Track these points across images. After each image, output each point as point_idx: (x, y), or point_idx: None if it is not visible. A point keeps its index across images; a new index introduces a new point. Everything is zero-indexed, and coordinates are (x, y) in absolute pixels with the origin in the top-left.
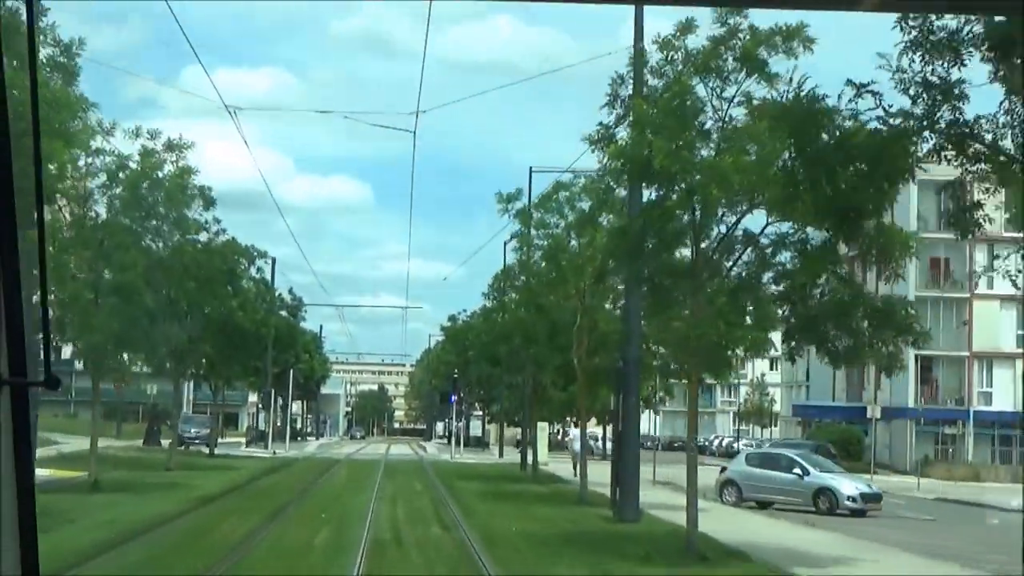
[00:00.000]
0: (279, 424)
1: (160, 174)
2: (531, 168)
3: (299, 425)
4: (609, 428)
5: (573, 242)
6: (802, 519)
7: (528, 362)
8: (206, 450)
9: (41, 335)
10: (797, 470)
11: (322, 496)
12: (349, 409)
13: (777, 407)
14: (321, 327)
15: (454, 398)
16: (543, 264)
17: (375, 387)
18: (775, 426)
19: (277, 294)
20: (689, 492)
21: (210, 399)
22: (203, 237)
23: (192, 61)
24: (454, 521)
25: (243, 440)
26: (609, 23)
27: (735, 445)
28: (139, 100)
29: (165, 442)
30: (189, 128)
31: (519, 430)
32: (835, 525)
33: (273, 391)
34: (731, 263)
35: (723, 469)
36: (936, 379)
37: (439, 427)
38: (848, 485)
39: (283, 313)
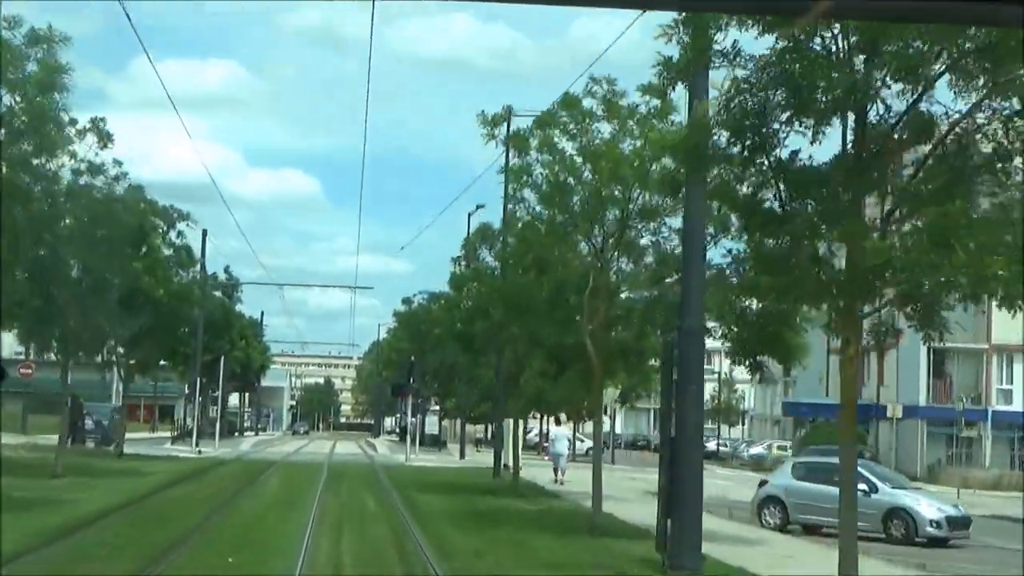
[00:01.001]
0: (212, 418)
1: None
2: (509, 108)
3: (238, 419)
4: (586, 426)
5: (587, 173)
6: (877, 551)
7: (518, 341)
8: (108, 450)
9: None
10: (863, 485)
11: (238, 521)
12: (294, 403)
13: (747, 404)
14: (262, 313)
15: (409, 386)
16: (544, 207)
17: (321, 380)
18: (743, 424)
19: (211, 274)
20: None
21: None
22: (100, 182)
23: (142, 53)
24: (427, 569)
25: (170, 436)
26: (561, 21)
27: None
28: (87, 91)
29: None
30: (139, 121)
31: (478, 428)
32: (925, 559)
33: (202, 381)
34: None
35: (762, 483)
36: (950, 375)
37: (388, 422)
38: (929, 506)
39: (217, 294)
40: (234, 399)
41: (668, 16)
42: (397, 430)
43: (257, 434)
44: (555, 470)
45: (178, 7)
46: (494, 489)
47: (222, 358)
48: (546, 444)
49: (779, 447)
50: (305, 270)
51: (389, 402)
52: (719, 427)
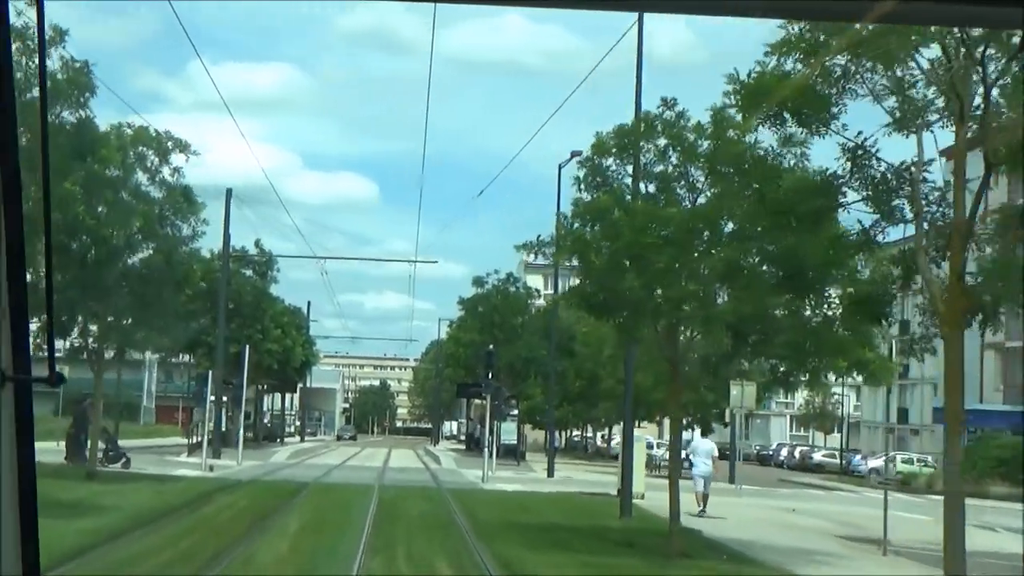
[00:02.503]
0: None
1: None
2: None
3: (280, 424)
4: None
5: None
6: None
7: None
8: (117, 467)
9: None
10: None
11: None
12: (347, 405)
13: (849, 409)
14: (308, 304)
15: (487, 384)
16: None
17: (376, 382)
18: (840, 432)
19: (240, 248)
20: None
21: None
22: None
23: (200, 55)
24: None
25: (189, 443)
26: (616, 23)
27: (814, 455)
28: (144, 93)
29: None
30: (197, 123)
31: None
32: None
33: (229, 381)
34: None
35: None
36: None
37: (448, 427)
38: None
39: (248, 273)
40: (273, 400)
41: None
42: (461, 436)
43: (303, 440)
44: (698, 496)
45: (234, 10)
46: (632, 537)
47: (245, 348)
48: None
49: (920, 461)
50: (359, 272)
51: (448, 405)
52: (812, 435)
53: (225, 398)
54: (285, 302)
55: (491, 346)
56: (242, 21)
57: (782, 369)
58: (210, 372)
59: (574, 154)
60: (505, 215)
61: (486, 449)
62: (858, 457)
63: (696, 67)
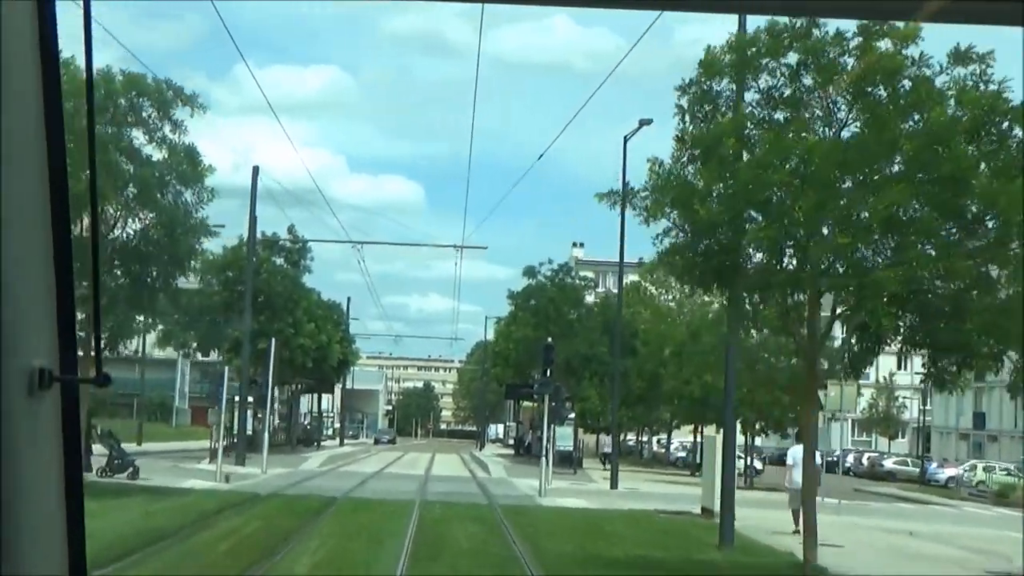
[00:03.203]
0: (280, 425)
1: None
2: None
3: (318, 426)
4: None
5: None
6: None
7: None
8: (122, 477)
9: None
10: None
11: None
12: (390, 407)
13: (913, 413)
14: (348, 299)
15: (544, 383)
16: None
17: (420, 384)
18: (902, 437)
19: (272, 235)
20: None
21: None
22: None
23: (245, 58)
24: None
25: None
26: (663, 26)
27: (884, 462)
28: (190, 96)
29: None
30: (243, 125)
31: (603, 441)
32: None
33: (255, 379)
34: None
35: None
36: None
37: (493, 430)
38: None
39: (279, 262)
40: (309, 401)
41: None
42: (509, 440)
43: (342, 444)
44: (795, 514)
45: (280, 13)
46: (744, 569)
47: (271, 343)
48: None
49: (1004, 470)
50: (404, 275)
51: (493, 407)
52: (875, 440)
53: (252, 399)
54: (320, 295)
55: (549, 339)
56: (288, 24)
57: (945, 361)
58: (226, 369)
59: (642, 122)
60: (550, 216)
61: (543, 458)
62: (934, 465)
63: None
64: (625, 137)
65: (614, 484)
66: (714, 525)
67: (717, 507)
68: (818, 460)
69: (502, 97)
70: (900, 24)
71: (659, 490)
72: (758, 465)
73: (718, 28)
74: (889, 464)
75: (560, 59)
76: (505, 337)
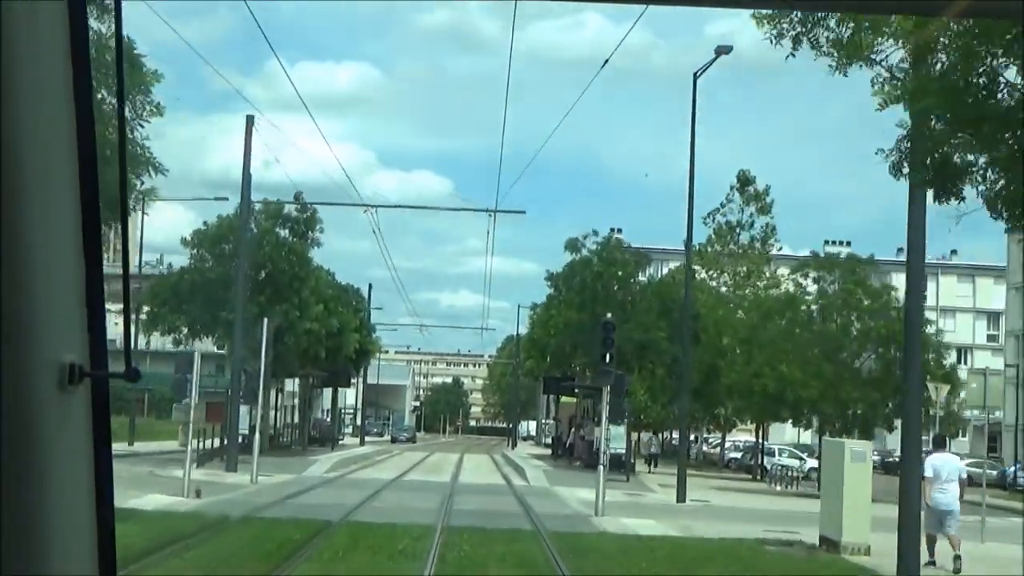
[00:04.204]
0: (291, 422)
1: None
2: None
3: (334, 423)
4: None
5: None
6: None
7: None
8: None
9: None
10: None
11: None
12: (418, 403)
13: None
14: (370, 286)
15: (604, 370)
16: None
17: (449, 380)
18: (963, 436)
19: (274, 201)
20: None
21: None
22: None
23: (280, 54)
24: None
25: (199, 451)
26: (695, 21)
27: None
28: (224, 92)
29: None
30: (275, 121)
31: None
32: None
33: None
34: None
35: None
36: None
37: (525, 427)
38: None
39: (283, 233)
40: (327, 395)
41: None
42: (544, 439)
43: (363, 443)
44: (930, 540)
45: (311, 10)
46: None
47: (264, 324)
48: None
49: None
50: (434, 271)
51: (525, 403)
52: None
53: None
54: (335, 276)
55: (608, 315)
56: (320, 20)
57: None
58: (196, 355)
59: (719, 51)
60: (584, 210)
61: (601, 467)
62: (1012, 468)
63: (781, 65)
64: (695, 74)
65: (681, 496)
66: (858, 567)
67: (850, 538)
68: (961, 470)
69: (533, 92)
70: None
71: (735, 503)
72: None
73: (746, 22)
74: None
75: (592, 55)
76: (542, 324)
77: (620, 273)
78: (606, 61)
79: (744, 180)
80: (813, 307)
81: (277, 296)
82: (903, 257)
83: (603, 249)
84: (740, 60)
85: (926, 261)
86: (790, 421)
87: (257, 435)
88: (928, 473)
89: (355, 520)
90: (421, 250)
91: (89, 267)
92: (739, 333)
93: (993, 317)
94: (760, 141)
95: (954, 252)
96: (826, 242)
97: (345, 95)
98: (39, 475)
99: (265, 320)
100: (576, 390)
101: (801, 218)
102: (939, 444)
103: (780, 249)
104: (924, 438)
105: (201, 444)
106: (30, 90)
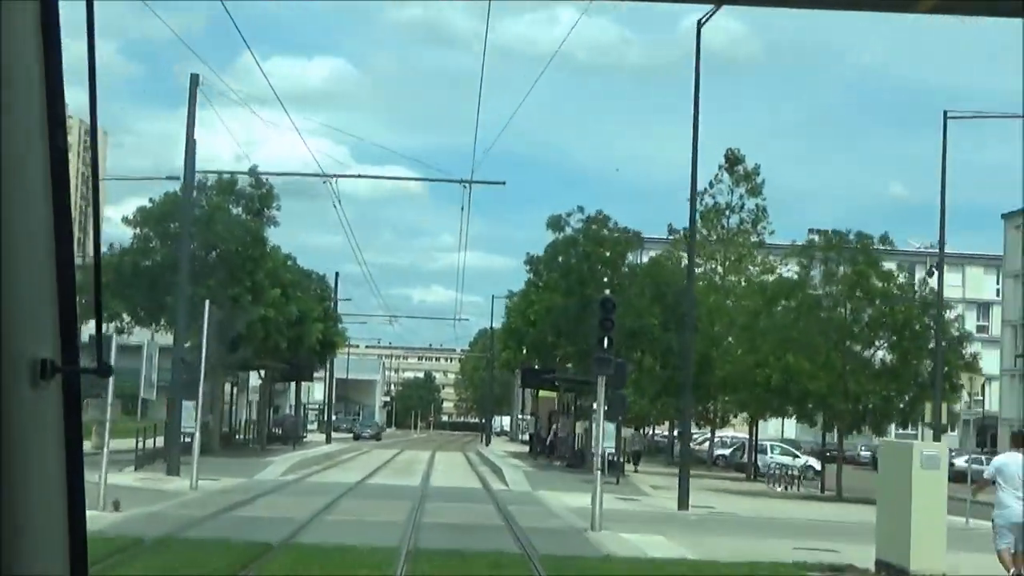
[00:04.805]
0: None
1: None
2: None
3: (299, 420)
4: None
5: None
6: None
7: None
8: None
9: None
10: None
11: None
12: (389, 398)
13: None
14: (337, 274)
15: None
16: None
17: (420, 375)
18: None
19: (228, 176)
20: None
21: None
22: None
23: (253, 48)
24: None
25: (137, 453)
26: (668, 16)
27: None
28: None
29: None
30: (248, 117)
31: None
32: None
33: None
34: None
35: None
36: None
37: (498, 423)
38: None
39: (238, 211)
40: (288, 388)
41: None
42: (521, 436)
43: (329, 440)
44: (1008, 556)
45: (284, 5)
46: None
47: (206, 309)
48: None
49: None
50: (407, 267)
51: (499, 398)
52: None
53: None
54: (296, 261)
55: (608, 292)
56: (292, 15)
57: None
58: (149, 344)
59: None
60: (550, 205)
61: (597, 472)
62: None
63: (752, 60)
64: (699, 21)
65: (683, 502)
66: None
67: (921, 564)
68: None
69: (506, 88)
70: None
71: (740, 508)
72: (815, 464)
73: (724, 19)
74: (960, 463)
75: (563, 50)
76: (521, 312)
77: (609, 254)
78: (555, 52)
79: (733, 159)
80: (821, 291)
81: (229, 279)
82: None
83: (590, 227)
84: (711, 54)
85: (914, 249)
86: (794, 416)
87: (198, 433)
88: (995, 469)
89: (302, 542)
90: (394, 245)
91: (60, 262)
92: (737, 320)
93: (983, 308)
94: (734, 134)
95: None
96: (810, 231)
97: (318, 90)
98: (10, 472)
99: (207, 303)
100: (557, 383)
101: (782, 210)
102: (1019, 442)
103: (772, 233)
104: (952, 434)
105: (143, 444)
106: (2, 88)
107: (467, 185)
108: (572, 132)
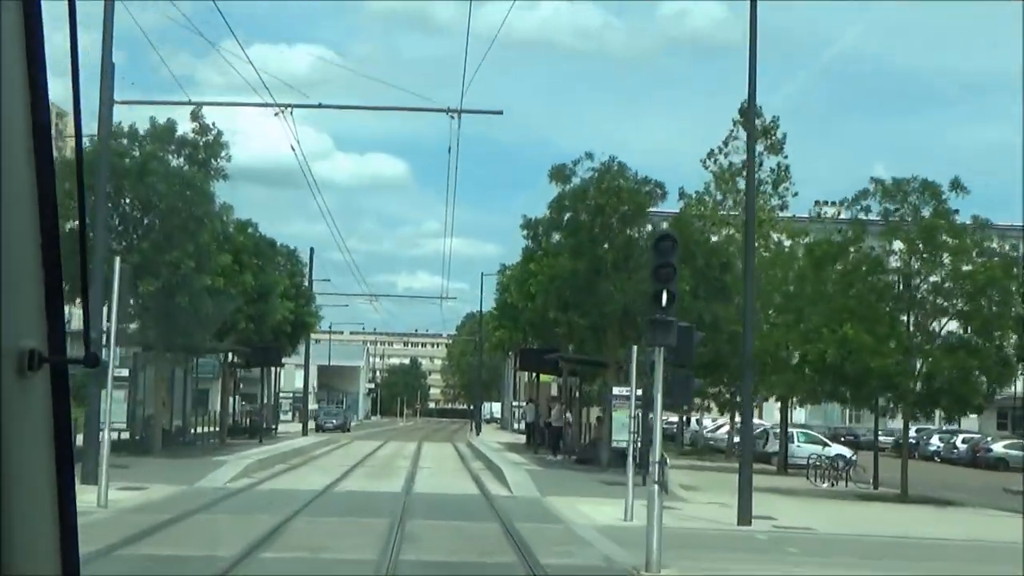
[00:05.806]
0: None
1: None
2: None
3: (267, 411)
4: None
5: None
6: None
7: None
8: None
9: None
10: None
11: None
12: (373, 386)
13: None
14: (312, 249)
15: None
16: None
17: (406, 360)
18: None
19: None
20: None
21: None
22: None
23: (230, 38)
24: None
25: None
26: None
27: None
28: (178, 76)
29: None
30: (229, 105)
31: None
32: None
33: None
34: None
35: None
36: None
37: (488, 409)
38: None
39: (179, 162)
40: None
41: None
42: (516, 424)
43: (305, 432)
44: None
45: None
46: None
47: (116, 269)
48: None
49: None
50: (391, 254)
51: (488, 383)
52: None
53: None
54: (256, 226)
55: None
56: (274, 3)
57: None
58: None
59: None
60: (538, 192)
61: (657, 487)
62: None
63: (738, 45)
64: None
65: (745, 516)
66: None
67: None
68: None
69: (489, 73)
70: None
71: (805, 516)
72: (845, 453)
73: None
74: (999, 448)
75: (546, 36)
76: (518, 285)
77: (627, 208)
78: (499, 29)
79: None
80: (880, 248)
81: (165, 242)
82: None
83: (603, 176)
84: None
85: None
86: (848, 400)
87: (107, 431)
88: None
89: None
90: (377, 233)
91: (46, 251)
92: (779, 289)
93: None
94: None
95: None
96: (816, 202)
97: (300, 78)
98: (2, 463)
99: (117, 261)
100: (561, 364)
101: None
102: None
103: (796, 195)
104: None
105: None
106: None
107: (455, 115)
108: (556, 115)
